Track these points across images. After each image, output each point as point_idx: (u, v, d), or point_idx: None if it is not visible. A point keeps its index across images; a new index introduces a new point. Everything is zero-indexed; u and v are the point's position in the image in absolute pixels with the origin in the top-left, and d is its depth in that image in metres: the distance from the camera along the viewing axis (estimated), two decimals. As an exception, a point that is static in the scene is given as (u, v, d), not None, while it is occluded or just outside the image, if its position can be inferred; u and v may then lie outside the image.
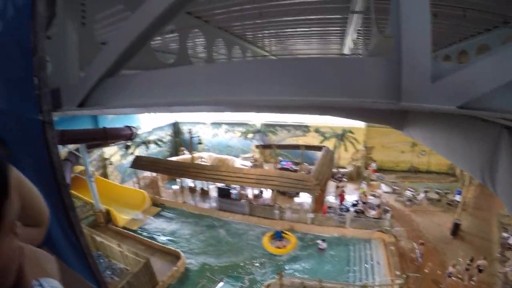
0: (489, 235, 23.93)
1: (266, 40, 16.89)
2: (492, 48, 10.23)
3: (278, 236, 22.90)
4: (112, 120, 28.41)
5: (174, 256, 20.73)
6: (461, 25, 9.60)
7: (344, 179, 33.90)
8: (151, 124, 37.35)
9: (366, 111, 11.78)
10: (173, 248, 21.65)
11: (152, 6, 3.25)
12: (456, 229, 23.86)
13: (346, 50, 15.41)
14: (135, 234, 23.86)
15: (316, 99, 2.62)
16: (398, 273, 19.22)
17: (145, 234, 24.53)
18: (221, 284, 18.67)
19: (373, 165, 36.64)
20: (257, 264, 20.93)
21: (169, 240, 23.97)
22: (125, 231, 24.34)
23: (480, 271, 18.88)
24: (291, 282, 18.00)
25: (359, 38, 9.96)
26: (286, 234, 23.23)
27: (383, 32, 5.28)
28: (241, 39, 14.76)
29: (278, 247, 22.17)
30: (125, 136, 23.07)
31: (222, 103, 3.04)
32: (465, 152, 8.52)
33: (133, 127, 23.69)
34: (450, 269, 18.46)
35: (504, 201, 6.78)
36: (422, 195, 29.69)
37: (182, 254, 20.72)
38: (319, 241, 22.31)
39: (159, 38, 11.44)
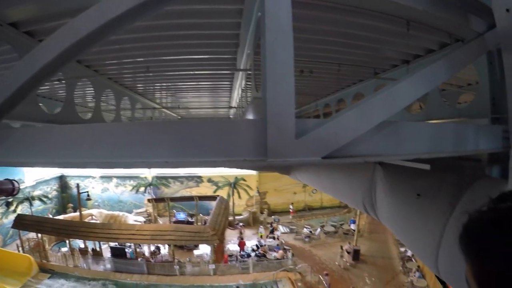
0: (389, 253, 26.58)
1: (157, 92, 16.85)
2: (365, 95, 11.49)
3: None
4: (-11, 171, 24.88)
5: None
6: (337, 78, 10.65)
7: (242, 226, 34.30)
8: (34, 177, 33.77)
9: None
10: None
11: (39, 54, 3.10)
12: (357, 255, 25.88)
13: (233, 103, 16.04)
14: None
15: (192, 160, 2.75)
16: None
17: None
18: None
19: (291, 207, 38.20)
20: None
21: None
22: (11, 304, 20.68)
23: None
24: None
25: (243, 93, 10.50)
26: None
27: (259, 90, 5.68)
28: (131, 90, 14.55)
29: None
30: (6, 191, 20.22)
31: (103, 165, 3.00)
32: (348, 189, 9.30)
33: (15, 180, 20.86)
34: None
35: (387, 225, 7.53)
36: (318, 230, 31.53)
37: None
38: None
39: (47, 83, 10.78)
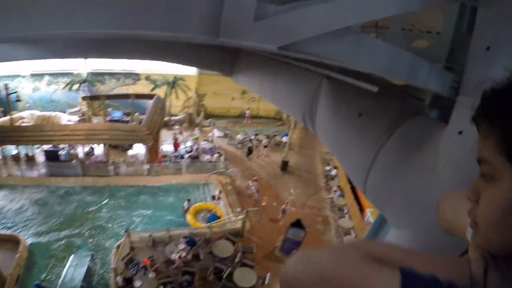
0: (314, 169, 28.30)
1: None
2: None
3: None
4: None
5: (14, 242, 17.87)
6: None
7: (178, 127, 34.17)
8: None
9: (195, 55, 11.54)
10: (9, 233, 18.87)
11: None
12: (285, 166, 27.25)
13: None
14: (-37, 231, 19.32)
15: (126, 32, 2.29)
16: (238, 209, 20.94)
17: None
18: (72, 256, 17.14)
19: (247, 112, 37.93)
20: (94, 232, 20.15)
21: (2, 225, 20.27)
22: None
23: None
24: (140, 238, 17.92)
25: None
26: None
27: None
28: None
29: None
30: None
31: (20, 39, 2.47)
32: (289, 98, 9.23)
33: None
34: (283, 206, 21.60)
35: (322, 139, 7.67)
36: (252, 138, 32.20)
37: (21, 237, 18.20)
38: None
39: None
